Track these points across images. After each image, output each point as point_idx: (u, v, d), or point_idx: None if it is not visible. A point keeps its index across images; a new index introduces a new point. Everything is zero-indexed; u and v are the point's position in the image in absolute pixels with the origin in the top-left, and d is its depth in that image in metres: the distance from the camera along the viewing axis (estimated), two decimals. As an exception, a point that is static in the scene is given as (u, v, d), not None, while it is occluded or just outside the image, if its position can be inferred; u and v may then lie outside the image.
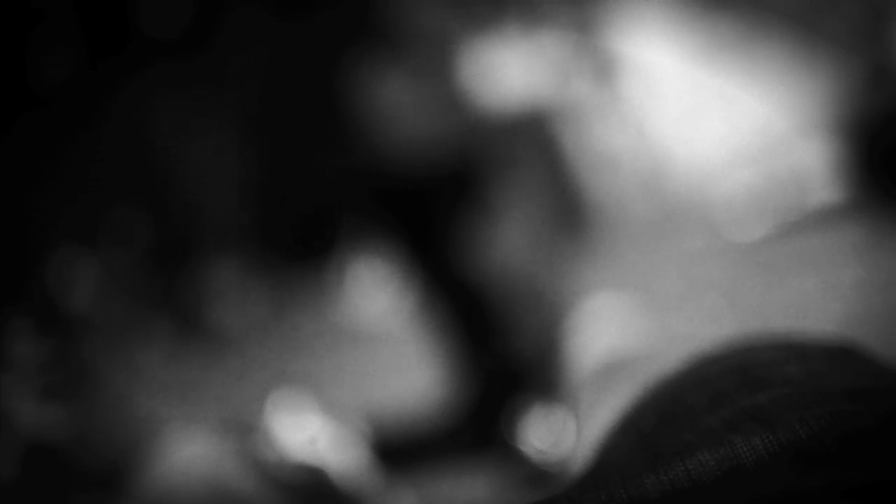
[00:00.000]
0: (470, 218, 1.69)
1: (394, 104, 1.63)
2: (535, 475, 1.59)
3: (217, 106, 2.59)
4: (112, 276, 2.83)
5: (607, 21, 2.86)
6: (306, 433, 1.39)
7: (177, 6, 2.62)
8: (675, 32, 2.92)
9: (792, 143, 2.72)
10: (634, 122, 2.84)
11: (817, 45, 2.76)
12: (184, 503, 0.74)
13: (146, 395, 2.20)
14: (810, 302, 2.06)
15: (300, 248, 2.94)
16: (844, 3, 2.72)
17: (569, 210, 2.46)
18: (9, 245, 2.59)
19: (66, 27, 2.56)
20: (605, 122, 2.76)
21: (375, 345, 2.45)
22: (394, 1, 1.64)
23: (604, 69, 2.81)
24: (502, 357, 1.73)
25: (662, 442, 0.54)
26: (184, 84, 2.61)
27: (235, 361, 2.52)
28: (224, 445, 1.10)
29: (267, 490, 0.92)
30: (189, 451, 1.01)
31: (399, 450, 1.74)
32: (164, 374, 2.44)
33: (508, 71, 1.85)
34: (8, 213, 2.56)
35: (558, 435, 1.59)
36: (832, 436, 0.48)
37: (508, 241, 1.71)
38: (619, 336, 1.33)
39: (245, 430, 1.35)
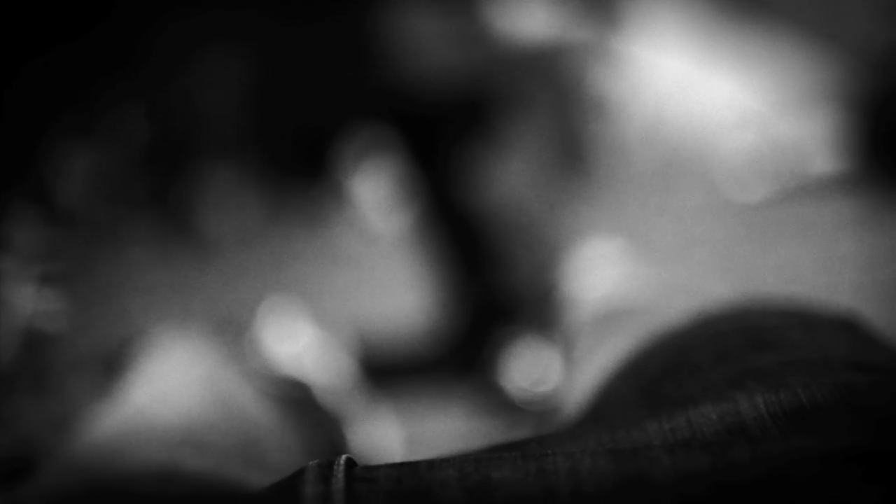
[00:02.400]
0: (477, 149, 1.69)
1: (415, 30, 1.63)
2: (515, 409, 1.61)
3: (228, 14, 2.57)
4: (107, 171, 2.83)
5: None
6: (295, 343, 1.41)
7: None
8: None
9: (798, 111, 2.73)
10: (640, 75, 2.83)
11: (834, 16, 2.75)
12: (179, 403, 0.75)
13: (135, 294, 2.21)
14: (801, 270, 2.08)
15: (300, 160, 2.93)
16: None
17: (571, 152, 2.47)
18: (7, 131, 2.58)
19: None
20: (613, 68, 2.75)
21: (368, 263, 2.46)
22: None
23: (615, 19, 2.79)
24: (494, 289, 1.74)
25: (665, 392, 0.55)
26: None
27: (226, 267, 2.53)
28: (217, 347, 1.11)
29: (259, 398, 0.93)
30: (183, 350, 1.02)
31: (382, 368, 1.76)
32: (154, 272, 2.45)
33: (525, 9, 1.84)
34: (8, 99, 2.55)
35: (542, 373, 1.61)
36: (834, 404, 0.49)
37: (512, 176, 1.72)
38: (616, 282, 1.35)
39: (235, 333, 1.36)
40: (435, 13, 1.63)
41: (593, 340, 0.81)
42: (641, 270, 1.47)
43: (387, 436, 1.49)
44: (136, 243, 2.66)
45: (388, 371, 1.76)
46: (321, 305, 2.02)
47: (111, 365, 1.14)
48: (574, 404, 0.72)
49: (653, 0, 2.87)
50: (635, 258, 1.63)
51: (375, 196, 2.67)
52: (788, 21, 2.84)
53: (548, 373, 1.61)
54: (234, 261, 2.58)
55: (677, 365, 0.57)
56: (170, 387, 0.79)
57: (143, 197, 2.88)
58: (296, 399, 1.26)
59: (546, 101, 1.93)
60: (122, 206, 2.82)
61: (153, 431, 0.66)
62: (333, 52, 1.87)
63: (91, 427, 0.71)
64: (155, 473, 0.59)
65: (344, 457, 0.50)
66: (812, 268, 2.07)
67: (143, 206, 2.87)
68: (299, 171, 2.92)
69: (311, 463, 0.50)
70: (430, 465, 0.47)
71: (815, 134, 2.66)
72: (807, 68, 2.76)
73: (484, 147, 1.70)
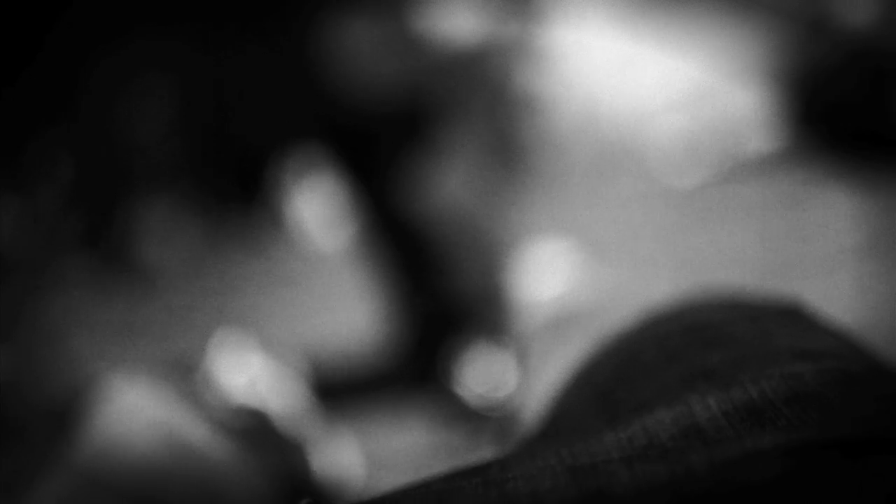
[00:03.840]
0: (415, 158, 1.69)
1: (347, 44, 1.62)
2: (473, 417, 1.61)
3: (156, 44, 2.55)
4: (36, 213, 2.79)
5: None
6: (247, 374, 1.39)
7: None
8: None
9: (727, 91, 2.75)
10: (568, 67, 2.85)
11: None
12: (133, 450, 0.74)
13: (80, 336, 2.18)
14: (744, 250, 2.10)
15: (237, 184, 2.91)
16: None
17: (508, 153, 2.47)
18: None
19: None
20: (541, 66, 2.76)
21: (313, 283, 2.45)
22: None
23: (539, 13, 2.81)
24: (442, 298, 1.74)
25: (619, 398, 0.55)
26: (126, 25, 2.55)
27: (170, 299, 2.51)
28: (168, 388, 1.09)
29: (214, 434, 0.92)
30: (133, 394, 1.00)
31: (337, 389, 1.75)
32: (96, 313, 2.42)
33: (453, 14, 1.84)
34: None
35: (498, 379, 1.61)
36: (782, 396, 0.49)
37: (451, 182, 1.72)
38: (562, 282, 1.35)
39: (185, 371, 1.35)
40: (365, 25, 1.62)
41: (547, 346, 0.80)
42: (588, 271, 1.48)
43: (347, 457, 1.48)
44: (75, 284, 2.63)
45: (342, 391, 1.76)
46: (270, 330, 2.01)
47: (63, 416, 1.12)
48: (532, 412, 0.71)
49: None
50: (580, 255, 1.63)
51: (316, 215, 2.65)
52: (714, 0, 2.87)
53: (503, 377, 1.61)
54: (179, 292, 2.56)
55: (629, 369, 0.57)
56: (122, 434, 0.78)
57: (78, 236, 2.84)
58: (253, 428, 1.25)
59: (479, 105, 1.93)
60: (56, 247, 2.78)
61: (108, 488, 0.65)
62: (265, 73, 1.86)
63: (44, 489, 0.70)
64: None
65: (304, 501, 0.49)
66: (752, 247, 2.09)
67: (79, 244, 2.83)
68: (237, 195, 2.90)
69: None
70: (394, 502, 0.46)
71: (747, 112, 2.68)
72: (734, 47, 2.79)
73: (422, 155, 1.69)
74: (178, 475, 0.71)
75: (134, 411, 0.88)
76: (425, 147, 1.70)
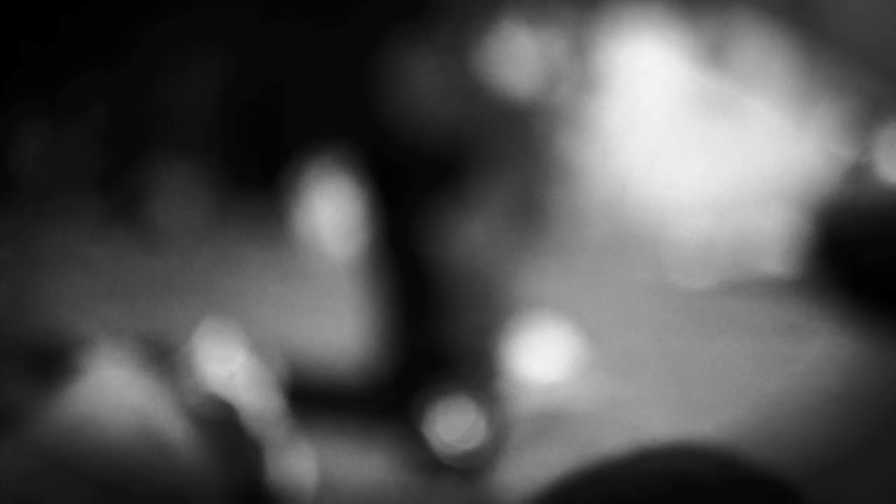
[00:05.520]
0: (443, 199, 1.70)
1: (411, 76, 1.64)
2: (435, 463, 1.61)
3: (219, 16, 2.56)
4: (61, 147, 2.80)
5: (607, 36, 2.88)
6: (227, 368, 1.40)
7: None
8: (673, 69, 2.95)
9: (758, 207, 2.77)
10: (609, 144, 2.86)
11: (807, 125, 2.81)
12: (105, 433, 0.74)
13: (74, 280, 2.19)
14: (733, 366, 2.10)
15: (261, 169, 2.92)
16: (843, 93, 2.77)
17: (529, 215, 2.48)
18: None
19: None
20: (582, 136, 2.78)
21: (310, 286, 2.46)
22: None
23: (593, 82, 2.83)
24: (433, 339, 1.74)
25: None
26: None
27: (168, 266, 2.51)
28: (148, 371, 1.10)
29: (188, 427, 0.93)
30: (112, 374, 1.00)
31: (307, 399, 1.74)
32: (95, 260, 2.42)
33: (511, 67, 1.86)
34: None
35: (467, 431, 1.61)
36: None
37: (470, 231, 1.73)
38: (555, 370, 1.36)
39: (167, 350, 1.36)
40: (432, 64, 1.64)
41: (528, 436, 0.81)
42: (580, 364, 1.48)
43: (302, 470, 1.48)
44: (81, 226, 2.64)
45: (313, 402, 1.76)
46: (258, 321, 2.01)
47: (45, 364, 1.12)
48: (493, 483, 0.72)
49: (633, 71, 2.91)
50: (576, 341, 1.64)
51: (328, 221, 2.66)
52: (763, 117, 2.89)
53: (471, 433, 1.61)
54: (177, 261, 2.56)
55: None
56: (96, 415, 0.78)
57: (95, 179, 2.85)
58: (220, 420, 1.25)
59: (515, 162, 1.95)
60: (72, 184, 2.79)
61: (74, 468, 0.65)
62: (318, 72, 1.87)
63: (24, 440, 0.70)
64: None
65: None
66: (742, 366, 2.10)
67: (94, 188, 2.84)
68: (257, 181, 2.91)
69: None
70: None
71: (770, 231, 2.70)
72: (773, 165, 2.81)
73: (448, 198, 1.71)
74: (148, 465, 0.72)
75: (111, 393, 0.88)
76: (453, 190, 1.71)
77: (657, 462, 0.60)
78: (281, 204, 2.84)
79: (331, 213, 2.66)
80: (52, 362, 1.07)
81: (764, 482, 0.59)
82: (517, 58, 1.89)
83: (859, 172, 2.55)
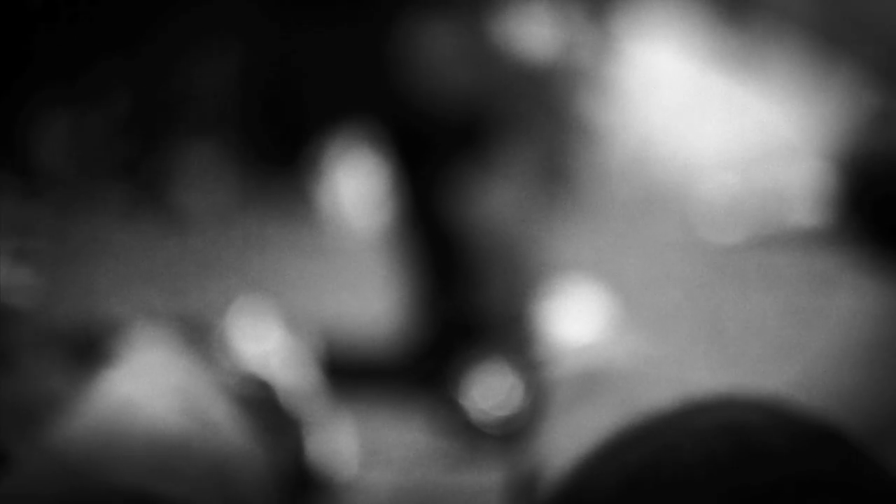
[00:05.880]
0: (467, 167, 1.70)
1: (428, 44, 1.64)
2: (473, 430, 1.62)
3: (238, 5, 2.56)
4: (84, 133, 2.81)
5: (624, 8, 2.86)
6: (263, 345, 1.40)
7: None
8: (691, 29, 2.93)
9: (785, 160, 2.75)
10: (632, 103, 2.85)
11: (831, 72, 2.78)
12: (149, 413, 0.75)
13: (102, 267, 2.20)
14: (764, 320, 2.09)
15: (284, 148, 2.93)
16: (866, 39, 2.74)
17: (555, 178, 2.48)
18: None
19: None
20: (604, 97, 2.77)
21: (339, 261, 2.46)
22: None
23: (612, 47, 2.81)
24: (465, 307, 1.74)
25: (648, 489, 0.55)
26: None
27: (196, 248, 2.52)
28: (187, 352, 1.10)
29: (230, 407, 0.93)
30: (152, 356, 1.00)
31: (344, 373, 1.75)
32: (123, 246, 2.43)
33: (531, 31, 1.85)
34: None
35: (504, 398, 1.62)
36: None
37: (496, 197, 1.73)
38: (590, 331, 1.35)
39: (202, 329, 1.36)
40: (448, 30, 1.64)
41: (571, 397, 0.81)
42: (615, 323, 1.48)
43: (343, 444, 1.49)
44: (107, 212, 2.65)
45: (350, 376, 1.76)
46: (290, 299, 2.02)
47: (82, 350, 1.13)
48: (549, 466, 0.72)
49: (652, 33, 2.89)
50: (605, 295, 1.64)
51: (354, 195, 2.67)
52: (784, 72, 2.87)
53: (509, 398, 1.62)
54: (205, 242, 2.57)
55: (660, 462, 0.57)
56: (139, 396, 0.78)
57: (119, 165, 2.86)
58: (259, 399, 1.26)
59: (538, 125, 1.94)
60: (96, 171, 2.80)
61: (130, 444, 0.66)
62: (337, 47, 1.87)
63: (69, 424, 0.71)
64: (126, 494, 0.59)
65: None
66: (773, 320, 2.09)
67: (119, 174, 2.85)
68: (281, 159, 2.92)
69: None
70: None
71: (797, 185, 2.68)
72: (797, 120, 2.79)
73: (473, 166, 1.70)
74: (192, 445, 0.72)
75: (152, 374, 0.89)
76: (477, 157, 1.71)
77: (708, 413, 0.60)
78: (305, 181, 2.85)
79: (355, 187, 2.66)
80: (89, 348, 1.08)
81: (818, 430, 0.59)
82: (536, 21, 1.88)
83: (886, 121, 2.53)
